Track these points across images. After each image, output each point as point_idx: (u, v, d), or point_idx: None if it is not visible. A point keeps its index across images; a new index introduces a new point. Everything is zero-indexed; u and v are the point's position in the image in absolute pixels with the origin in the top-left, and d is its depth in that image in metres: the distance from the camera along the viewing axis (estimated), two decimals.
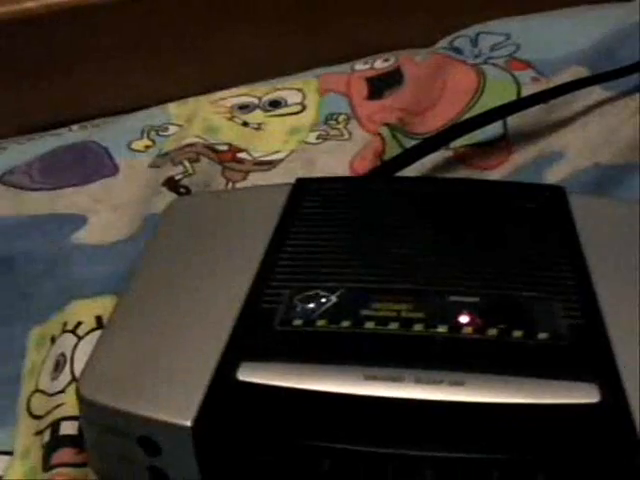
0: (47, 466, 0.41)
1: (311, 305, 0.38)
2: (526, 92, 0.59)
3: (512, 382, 0.34)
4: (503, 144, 0.56)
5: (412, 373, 0.34)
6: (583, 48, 0.61)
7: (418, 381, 0.34)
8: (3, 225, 0.54)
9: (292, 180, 0.48)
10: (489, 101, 0.58)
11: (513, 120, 0.57)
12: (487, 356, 0.35)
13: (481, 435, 0.33)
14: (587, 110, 0.57)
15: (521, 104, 0.57)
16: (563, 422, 0.33)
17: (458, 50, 0.64)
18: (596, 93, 0.58)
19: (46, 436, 0.42)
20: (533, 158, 0.55)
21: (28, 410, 0.44)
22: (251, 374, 0.35)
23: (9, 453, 0.43)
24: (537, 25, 0.65)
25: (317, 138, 0.59)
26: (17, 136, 0.66)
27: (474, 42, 0.65)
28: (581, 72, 0.59)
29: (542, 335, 0.36)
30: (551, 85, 0.58)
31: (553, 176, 0.53)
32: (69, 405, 0.42)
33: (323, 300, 0.38)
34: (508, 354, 0.35)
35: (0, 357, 0.47)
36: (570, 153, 0.54)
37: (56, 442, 0.41)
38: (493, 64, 0.62)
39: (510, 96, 0.59)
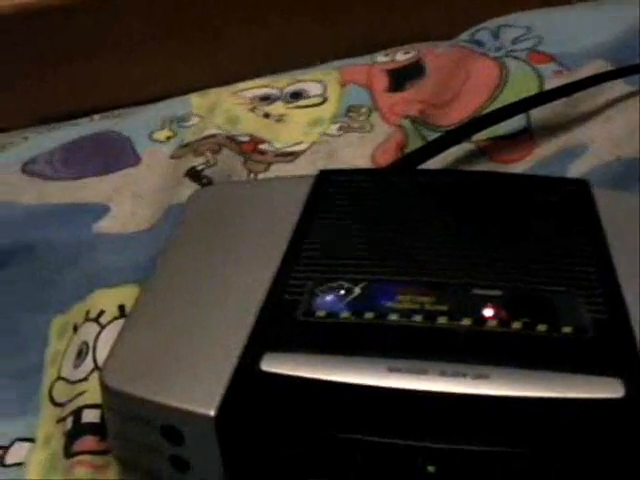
0: (69, 453, 0.41)
1: (334, 296, 0.38)
2: (549, 85, 0.58)
3: (536, 376, 0.34)
4: (526, 137, 0.56)
5: (436, 366, 0.34)
6: (606, 41, 0.61)
7: (442, 374, 0.34)
8: (25, 214, 0.54)
9: (313, 172, 0.48)
10: (511, 94, 0.58)
11: (536, 113, 0.56)
12: (511, 349, 0.35)
13: (505, 429, 0.33)
14: (610, 104, 0.57)
15: (544, 97, 0.57)
16: (587, 417, 0.33)
17: (479, 43, 0.64)
18: (619, 87, 0.58)
19: (68, 424, 0.42)
20: (556, 151, 0.55)
21: (50, 398, 0.45)
22: (274, 365, 0.35)
23: (31, 440, 0.43)
24: (559, 18, 0.65)
25: (338, 130, 0.59)
26: (39, 126, 0.66)
27: (495, 35, 0.64)
28: (604, 65, 0.59)
29: (566, 329, 0.36)
30: (574, 78, 0.58)
31: (576, 170, 0.53)
32: (91, 393, 0.42)
33: (346, 292, 0.38)
34: (532, 348, 0.35)
35: (23, 345, 0.48)
36: (593, 147, 0.54)
37: (78, 430, 0.41)
38: (515, 57, 0.62)
39: (532, 89, 0.58)
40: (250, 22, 0.68)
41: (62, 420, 0.43)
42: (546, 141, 0.55)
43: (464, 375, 0.34)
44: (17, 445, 0.43)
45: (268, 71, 0.66)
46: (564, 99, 0.57)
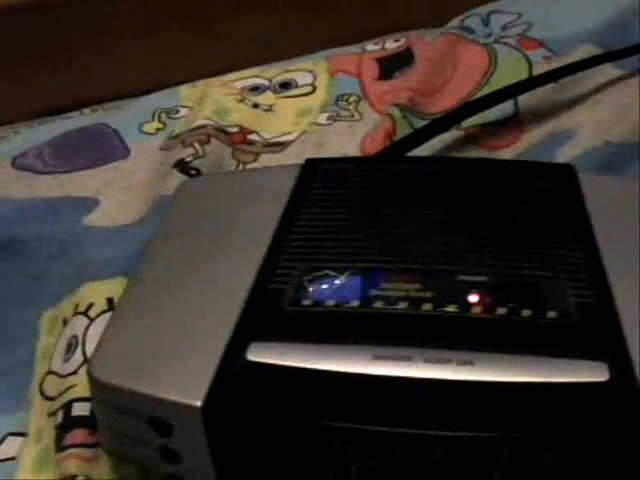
0: (60, 447, 0.41)
1: (320, 285, 0.38)
2: (537, 71, 0.58)
3: (521, 361, 0.34)
4: (514, 123, 0.56)
5: (421, 352, 0.34)
6: (595, 26, 0.61)
7: (427, 360, 0.34)
8: (15, 208, 0.54)
9: (302, 161, 0.48)
10: (500, 80, 0.58)
11: (524, 99, 0.57)
12: (496, 335, 0.35)
13: (490, 414, 0.33)
14: (599, 88, 0.57)
15: (532, 83, 0.57)
16: (572, 401, 0.33)
17: (469, 30, 0.64)
18: (608, 71, 0.58)
19: (59, 417, 0.42)
20: (544, 137, 0.55)
21: (41, 392, 0.45)
22: (260, 354, 0.35)
23: (23, 434, 0.43)
24: (549, 3, 0.65)
25: (328, 119, 0.59)
26: (29, 120, 0.66)
27: (485, 21, 0.64)
28: (593, 50, 0.59)
29: (551, 314, 0.36)
30: (563, 64, 0.58)
31: (564, 155, 0.53)
32: (81, 386, 0.42)
33: (332, 280, 0.38)
34: (517, 333, 0.35)
35: (13, 339, 0.48)
36: (582, 132, 0.54)
37: (69, 423, 0.41)
38: (504, 43, 0.62)
39: (521, 75, 0.59)
40: (241, 14, 0.68)
41: (53, 414, 0.43)
42: (534, 127, 0.55)
43: (449, 361, 0.34)
44: (9, 440, 0.43)
45: (259, 62, 0.66)
46: (552, 85, 0.57)
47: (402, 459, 0.33)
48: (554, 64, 0.58)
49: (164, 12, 0.67)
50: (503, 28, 0.64)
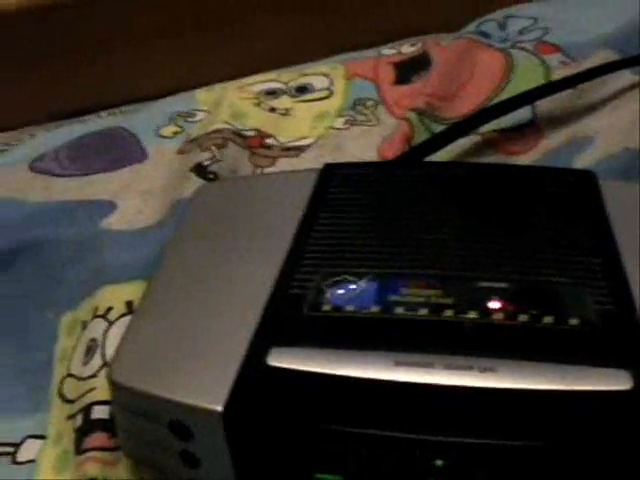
0: (79, 450, 0.41)
1: (340, 291, 0.38)
2: (555, 76, 0.58)
3: (543, 368, 0.34)
4: (532, 129, 0.56)
5: (442, 359, 0.34)
6: (612, 31, 0.61)
7: (448, 367, 0.34)
8: (33, 211, 0.54)
9: (319, 166, 0.48)
10: (517, 85, 0.58)
11: (542, 104, 0.56)
12: (517, 342, 0.35)
13: (512, 421, 0.33)
14: (617, 94, 0.57)
15: (550, 88, 0.57)
16: (595, 409, 0.33)
17: (486, 34, 0.64)
18: (626, 77, 0.58)
19: (78, 420, 0.42)
20: (562, 143, 0.54)
21: (60, 395, 0.45)
22: (281, 359, 0.35)
23: (42, 437, 0.44)
24: (566, 8, 0.65)
25: (345, 123, 0.59)
26: (46, 123, 0.67)
27: (502, 26, 0.64)
28: (610, 56, 0.59)
29: (573, 321, 0.36)
30: (580, 69, 0.57)
31: (583, 161, 0.53)
32: (101, 389, 0.42)
33: (352, 286, 0.38)
34: (539, 340, 0.35)
35: (32, 342, 0.48)
36: (600, 138, 0.54)
37: (88, 426, 0.42)
38: (521, 48, 0.62)
39: (539, 80, 0.58)
40: (258, 18, 0.68)
41: (72, 417, 0.43)
42: (552, 132, 0.55)
43: (470, 368, 0.34)
44: (28, 442, 0.44)
45: (275, 66, 0.66)
46: (570, 90, 0.57)
47: (423, 466, 0.33)
48: (571, 69, 0.58)
49: (181, 16, 0.67)
50: (520, 33, 0.63)
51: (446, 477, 0.33)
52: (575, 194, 0.43)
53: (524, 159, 0.54)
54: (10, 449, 0.43)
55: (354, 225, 0.43)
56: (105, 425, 0.41)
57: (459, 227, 0.42)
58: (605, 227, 0.41)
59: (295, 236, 0.42)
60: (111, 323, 0.45)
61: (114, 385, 0.38)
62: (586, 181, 0.44)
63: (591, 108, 0.56)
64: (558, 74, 0.58)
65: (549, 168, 0.51)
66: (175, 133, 0.60)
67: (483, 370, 0.34)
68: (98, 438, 0.41)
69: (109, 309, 0.46)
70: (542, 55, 0.61)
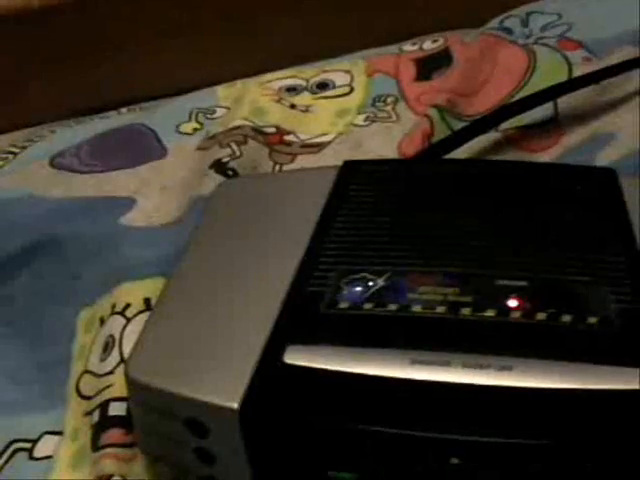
0: (96, 446, 0.41)
1: (358, 288, 0.38)
2: (577, 73, 0.58)
3: (560, 367, 0.33)
4: (553, 126, 0.55)
5: (459, 357, 0.34)
6: (635, 28, 0.60)
7: (465, 365, 0.34)
8: (53, 207, 0.54)
9: (339, 162, 0.48)
10: (539, 82, 0.57)
11: (564, 101, 0.56)
12: (535, 340, 0.35)
13: (529, 420, 0.33)
14: (639, 91, 0.56)
15: (572, 85, 0.56)
16: (614, 408, 0.32)
17: (508, 30, 0.63)
18: None
19: (95, 417, 0.42)
20: (584, 140, 0.54)
21: (77, 391, 0.45)
22: (297, 357, 0.35)
23: (59, 433, 0.44)
24: (589, 4, 0.64)
25: (365, 120, 0.59)
26: (67, 119, 0.67)
27: (525, 22, 0.64)
28: (633, 52, 0.58)
29: (592, 320, 0.35)
30: (603, 65, 0.57)
31: (604, 158, 0.52)
32: (118, 386, 0.42)
33: (370, 283, 0.38)
34: (556, 339, 0.35)
35: (50, 338, 0.48)
36: (622, 135, 0.53)
37: (105, 423, 0.42)
38: (544, 44, 0.61)
39: (561, 77, 0.58)
40: (278, 13, 0.68)
41: (89, 413, 0.43)
42: (574, 129, 0.55)
43: (487, 366, 0.33)
44: (46, 438, 0.44)
45: (296, 62, 0.66)
46: (592, 87, 0.56)
47: (439, 464, 0.33)
48: (594, 66, 0.58)
49: (202, 12, 0.67)
50: (542, 29, 0.63)
51: (461, 476, 0.33)
52: (596, 191, 0.43)
53: (545, 156, 0.54)
54: (27, 445, 0.43)
55: (373, 222, 0.42)
56: (122, 421, 0.41)
57: (478, 225, 0.42)
58: (626, 225, 0.40)
59: (314, 233, 0.42)
60: (129, 320, 0.45)
61: (131, 382, 0.38)
62: (607, 178, 0.44)
63: (613, 105, 0.56)
64: (580, 70, 0.58)
65: (570, 165, 0.50)
66: (195, 130, 0.60)
67: (500, 369, 0.33)
68: (115, 434, 0.41)
69: (127, 306, 0.46)
70: (565, 51, 0.60)
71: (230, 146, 0.56)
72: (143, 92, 0.68)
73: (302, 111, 0.61)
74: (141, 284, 0.47)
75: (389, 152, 0.55)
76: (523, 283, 0.37)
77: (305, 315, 0.37)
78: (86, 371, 0.45)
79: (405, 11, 0.69)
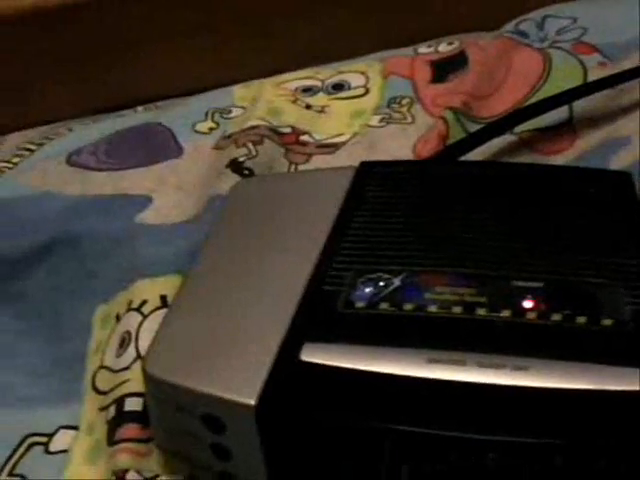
0: (112, 441, 0.41)
1: (374, 288, 0.38)
2: (592, 77, 0.58)
3: (576, 368, 0.34)
4: (568, 129, 0.56)
5: (475, 357, 0.34)
6: None
7: (481, 365, 0.34)
8: (69, 204, 0.54)
9: (355, 163, 0.48)
10: (555, 86, 0.58)
11: (579, 105, 0.56)
12: (550, 341, 0.35)
13: (544, 420, 0.33)
14: None
15: (587, 89, 0.56)
16: (627, 409, 0.33)
17: (524, 34, 0.63)
18: None
19: (111, 412, 0.42)
20: (599, 143, 0.54)
21: (93, 386, 0.45)
22: (314, 355, 0.36)
23: (75, 428, 0.44)
24: (605, 9, 0.64)
25: (380, 121, 0.59)
26: (83, 117, 0.67)
27: (540, 26, 0.64)
28: None
29: (606, 321, 0.35)
30: (618, 70, 0.57)
31: (619, 162, 0.52)
32: (134, 382, 0.42)
33: (386, 283, 0.38)
34: (572, 340, 0.35)
35: (66, 334, 0.48)
36: (637, 139, 0.53)
37: (121, 418, 0.42)
38: (559, 48, 0.61)
39: (576, 81, 0.58)
40: (295, 15, 0.68)
41: (105, 408, 0.43)
42: (588, 133, 0.55)
43: (503, 366, 0.34)
44: (61, 432, 0.44)
45: (312, 63, 0.66)
46: (607, 91, 0.56)
47: (453, 463, 0.33)
48: (609, 70, 0.58)
49: (219, 12, 0.68)
50: (558, 33, 0.63)
51: (476, 474, 0.33)
52: (611, 195, 0.43)
53: (559, 159, 0.54)
54: (43, 439, 0.44)
55: (389, 223, 0.43)
56: (137, 417, 0.41)
57: (493, 226, 0.42)
58: None
59: (330, 233, 0.42)
60: (145, 316, 0.46)
61: (148, 377, 0.38)
62: (622, 182, 0.44)
63: (628, 109, 0.56)
64: (595, 75, 0.58)
65: (585, 169, 0.50)
66: (211, 129, 0.60)
67: (515, 369, 0.34)
68: (130, 429, 0.41)
69: (143, 302, 0.46)
70: (580, 55, 0.60)
71: (246, 146, 0.56)
72: (160, 91, 0.68)
73: (318, 112, 0.61)
74: (157, 281, 0.47)
75: (404, 153, 0.56)
76: (538, 284, 0.37)
77: (322, 314, 0.38)
78: (102, 367, 0.45)
79: (421, 13, 0.69)
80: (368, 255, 0.40)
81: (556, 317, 0.36)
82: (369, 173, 0.47)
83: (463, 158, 0.52)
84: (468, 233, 0.41)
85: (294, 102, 0.62)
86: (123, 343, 0.45)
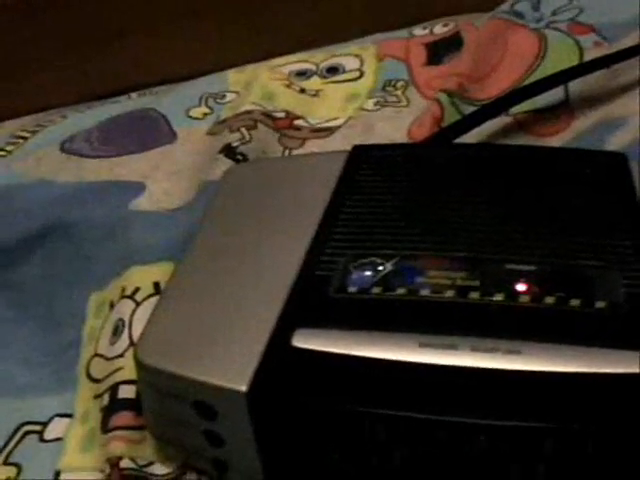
0: (105, 429, 0.41)
1: (366, 272, 0.38)
2: (588, 57, 0.58)
3: (568, 351, 0.33)
4: (564, 110, 0.55)
5: (467, 341, 0.34)
6: None
7: (473, 349, 0.34)
8: (63, 191, 0.54)
9: (349, 147, 0.48)
10: (550, 66, 0.57)
11: (575, 85, 0.56)
12: (543, 324, 0.35)
13: (536, 404, 0.33)
14: None
15: (583, 69, 0.56)
16: (621, 392, 0.32)
17: (519, 14, 0.63)
18: None
19: (105, 399, 0.42)
20: (595, 124, 0.54)
21: (87, 374, 0.45)
22: (306, 340, 0.35)
23: (69, 416, 0.44)
24: None
25: (375, 104, 0.59)
26: (77, 104, 0.67)
27: (536, 6, 0.64)
28: None
29: (600, 304, 0.35)
30: (614, 50, 0.57)
31: (615, 143, 0.52)
32: (127, 369, 0.42)
33: (379, 267, 0.38)
34: (565, 323, 0.35)
35: (60, 322, 0.48)
36: (633, 119, 0.53)
37: (115, 405, 0.42)
38: (555, 28, 0.61)
39: (572, 61, 0.58)
40: None
41: (99, 396, 0.43)
42: (585, 114, 0.55)
43: (495, 350, 0.34)
44: (56, 421, 0.44)
45: (306, 47, 0.66)
46: (603, 71, 0.56)
47: (446, 447, 0.33)
48: (605, 50, 0.57)
49: None
50: (554, 13, 0.63)
51: (468, 458, 0.33)
52: (606, 176, 0.43)
53: (555, 141, 0.54)
54: (37, 427, 0.44)
55: (382, 207, 0.43)
56: (131, 404, 0.41)
57: (488, 209, 0.42)
58: (635, 209, 0.40)
59: (323, 217, 0.42)
60: (138, 304, 0.45)
61: (140, 365, 0.38)
62: (617, 163, 0.44)
63: (624, 89, 0.55)
64: (591, 55, 0.57)
65: (580, 150, 0.50)
66: (205, 114, 0.60)
67: (508, 352, 0.33)
68: (124, 417, 0.41)
69: (136, 290, 0.46)
70: (576, 36, 0.60)
71: (240, 131, 0.56)
72: (153, 77, 0.68)
73: (312, 95, 0.61)
74: (150, 268, 0.47)
75: (399, 137, 0.55)
76: (532, 267, 0.37)
77: (314, 299, 0.38)
78: (96, 354, 0.45)
79: None
80: (361, 240, 0.40)
81: (550, 300, 0.36)
82: (362, 157, 0.46)
83: (458, 141, 0.52)
84: (462, 216, 0.41)
85: (288, 86, 0.61)
86: (117, 331, 0.45)
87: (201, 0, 0.68)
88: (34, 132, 0.62)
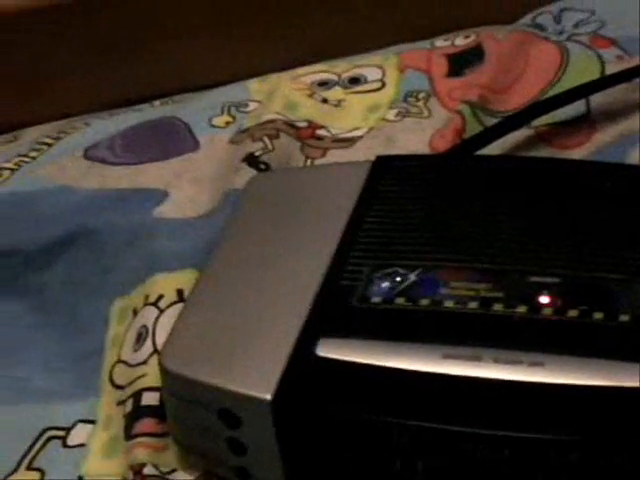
0: (129, 435, 0.42)
1: (390, 283, 0.38)
2: (610, 70, 0.58)
3: (591, 364, 0.34)
4: (586, 123, 0.55)
5: (491, 353, 0.34)
6: None
7: (497, 361, 0.34)
8: (87, 199, 0.55)
9: (371, 157, 0.48)
10: (572, 79, 0.57)
11: (596, 99, 0.56)
12: (567, 337, 0.35)
13: (559, 416, 0.33)
14: None
15: (605, 82, 0.56)
16: None
17: (541, 27, 0.63)
18: None
19: (128, 406, 0.43)
20: (616, 138, 0.54)
21: (111, 380, 0.45)
22: (329, 350, 0.36)
23: (92, 422, 0.44)
24: (622, 2, 0.64)
25: (396, 115, 0.59)
26: (100, 112, 0.67)
27: (557, 19, 0.64)
28: None
29: (623, 317, 0.35)
30: (635, 63, 0.57)
31: (636, 156, 0.52)
32: (151, 376, 0.43)
33: (402, 278, 0.38)
34: (588, 336, 0.35)
35: (84, 328, 0.48)
36: None
37: (138, 412, 0.42)
38: (576, 41, 0.61)
39: (594, 74, 0.58)
40: (311, 8, 0.68)
41: (122, 402, 0.43)
42: (606, 127, 0.55)
43: (519, 362, 0.34)
44: (79, 426, 0.44)
45: (328, 57, 0.66)
46: (625, 84, 0.56)
47: (469, 458, 0.33)
48: (627, 64, 0.57)
49: (236, 7, 0.68)
50: (575, 26, 0.63)
51: (491, 470, 0.33)
52: (628, 189, 0.43)
53: (577, 153, 0.54)
54: (61, 433, 0.44)
55: (405, 217, 0.43)
56: (154, 411, 0.42)
57: (510, 221, 0.42)
58: None
59: (346, 227, 0.42)
60: (162, 311, 0.46)
61: (165, 372, 0.38)
62: (638, 176, 0.44)
63: None
64: (613, 68, 0.57)
65: (601, 163, 0.50)
66: (227, 123, 0.60)
67: (531, 364, 0.34)
68: (147, 424, 0.41)
69: (160, 297, 0.46)
70: (597, 49, 0.60)
71: (262, 140, 0.56)
72: (176, 86, 0.68)
73: (334, 105, 0.61)
74: (174, 275, 0.47)
75: (420, 148, 0.55)
76: (555, 280, 0.37)
77: (337, 309, 0.38)
78: (119, 361, 0.46)
79: (437, 7, 0.68)
80: (384, 250, 0.40)
81: (573, 313, 0.36)
82: (385, 167, 0.47)
83: (480, 152, 0.52)
84: (484, 228, 0.41)
85: (310, 96, 0.61)
86: (140, 337, 0.45)
87: (224, 11, 0.68)
88: (58, 139, 0.63)
